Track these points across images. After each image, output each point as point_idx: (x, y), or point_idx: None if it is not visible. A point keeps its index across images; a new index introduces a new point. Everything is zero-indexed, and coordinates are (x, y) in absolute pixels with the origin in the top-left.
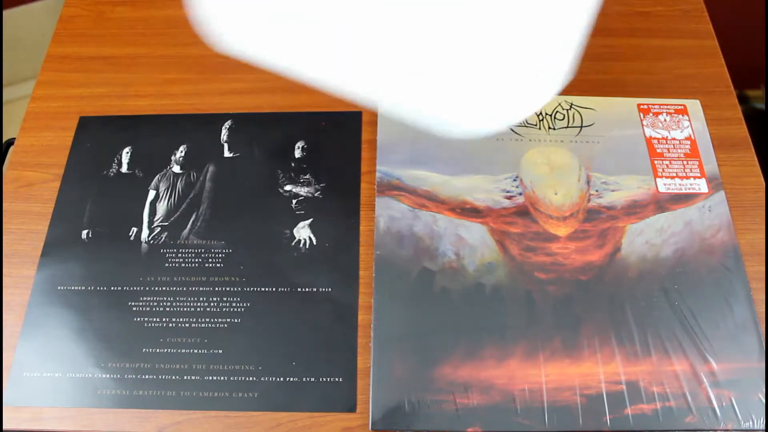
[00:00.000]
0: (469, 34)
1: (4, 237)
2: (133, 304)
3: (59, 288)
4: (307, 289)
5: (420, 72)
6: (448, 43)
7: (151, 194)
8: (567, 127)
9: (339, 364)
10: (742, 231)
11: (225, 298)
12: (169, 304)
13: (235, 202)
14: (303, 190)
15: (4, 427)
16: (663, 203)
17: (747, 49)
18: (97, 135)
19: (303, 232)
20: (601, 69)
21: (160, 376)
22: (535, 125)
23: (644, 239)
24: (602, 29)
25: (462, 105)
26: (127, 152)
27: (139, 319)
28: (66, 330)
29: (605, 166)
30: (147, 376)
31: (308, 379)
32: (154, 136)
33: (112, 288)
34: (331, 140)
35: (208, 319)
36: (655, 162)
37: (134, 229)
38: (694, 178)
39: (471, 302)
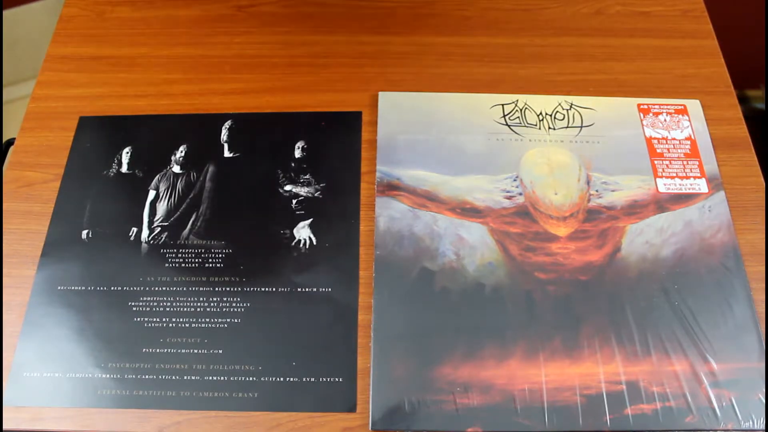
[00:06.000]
0: None
1: (4, 237)
2: (133, 304)
3: (59, 288)
4: (307, 289)
5: None
6: None
7: (151, 194)
8: (567, 127)
9: (339, 364)
10: (742, 231)
11: (225, 298)
12: (169, 304)
13: (235, 202)
14: (303, 190)
15: (4, 427)
16: (663, 203)
17: (747, 49)
18: (97, 135)
19: (303, 232)
20: (601, 69)
21: (160, 376)
22: (535, 125)
23: (644, 239)
24: (602, 29)
25: None
26: (127, 152)
27: (139, 319)
28: (66, 330)
29: (605, 166)
30: (147, 376)
31: (308, 379)
32: (154, 136)
33: (112, 288)
34: (331, 140)
35: (208, 319)
36: (655, 162)
37: (134, 229)
38: (694, 178)
39: (471, 302)
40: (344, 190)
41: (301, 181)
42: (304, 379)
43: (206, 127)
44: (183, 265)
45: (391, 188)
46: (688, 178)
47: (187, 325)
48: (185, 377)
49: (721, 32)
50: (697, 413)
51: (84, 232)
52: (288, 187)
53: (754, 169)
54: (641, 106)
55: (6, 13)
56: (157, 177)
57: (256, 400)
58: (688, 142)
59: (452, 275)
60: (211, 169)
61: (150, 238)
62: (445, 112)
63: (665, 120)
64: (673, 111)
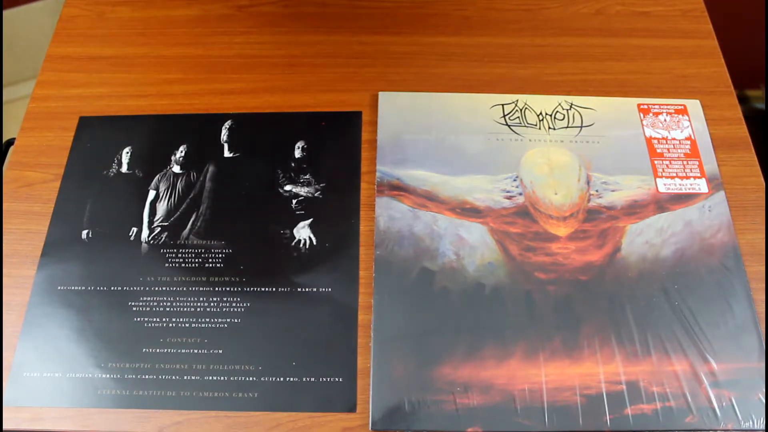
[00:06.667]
0: None
1: (4, 237)
2: (133, 304)
3: (59, 288)
4: (307, 289)
5: None
6: None
7: (151, 194)
8: (567, 127)
9: (339, 364)
10: (742, 231)
11: (225, 298)
12: (169, 304)
13: (235, 202)
14: (303, 190)
15: (4, 427)
16: (663, 203)
17: (747, 49)
18: (97, 135)
19: (303, 232)
20: (601, 69)
21: (160, 376)
22: (535, 125)
23: (644, 239)
24: (602, 29)
25: None
26: (127, 152)
27: (139, 319)
28: (66, 330)
29: (605, 166)
30: (147, 376)
31: (308, 379)
32: (154, 136)
33: (112, 288)
34: (331, 140)
35: (208, 319)
36: (655, 162)
37: (134, 229)
38: (694, 178)
39: (471, 302)
40: (344, 190)
41: (301, 181)
42: (304, 379)
43: (206, 127)
44: (183, 265)
45: (391, 188)
46: (688, 178)
47: (187, 325)
48: (185, 377)
49: (721, 32)
50: (697, 413)
51: (84, 232)
52: (288, 187)
53: (754, 169)
54: (641, 106)
55: (6, 13)
56: (157, 177)
57: (256, 400)
58: (688, 142)
59: (452, 275)
60: (211, 169)
61: (150, 238)
62: (445, 112)
63: (665, 120)
64: (673, 111)
